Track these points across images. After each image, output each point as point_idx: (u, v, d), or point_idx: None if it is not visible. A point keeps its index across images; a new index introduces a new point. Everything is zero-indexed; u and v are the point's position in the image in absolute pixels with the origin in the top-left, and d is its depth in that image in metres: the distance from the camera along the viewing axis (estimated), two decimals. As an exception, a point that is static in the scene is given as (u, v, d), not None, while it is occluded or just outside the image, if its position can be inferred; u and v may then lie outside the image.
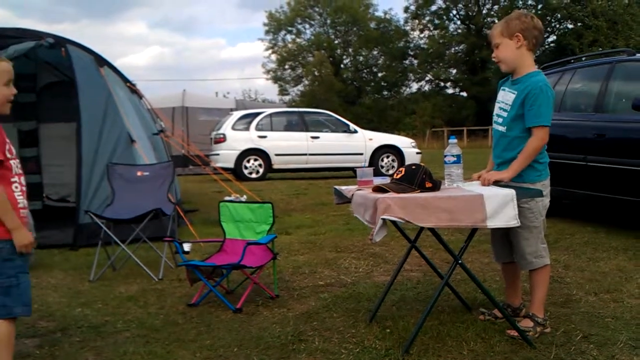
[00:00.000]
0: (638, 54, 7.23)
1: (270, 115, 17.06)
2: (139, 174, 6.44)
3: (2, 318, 2.91)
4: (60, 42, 7.50)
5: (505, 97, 3.72)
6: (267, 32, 55.29)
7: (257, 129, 16.53)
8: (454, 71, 51.03)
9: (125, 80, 8.58)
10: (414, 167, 3.44)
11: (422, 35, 51.61)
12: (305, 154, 16.46)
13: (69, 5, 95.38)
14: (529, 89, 3.54)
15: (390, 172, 16.12)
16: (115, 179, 6.30)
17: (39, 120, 9.95)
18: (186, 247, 5.76)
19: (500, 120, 3.73)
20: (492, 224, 3.20)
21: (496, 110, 3.80)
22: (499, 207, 3.18)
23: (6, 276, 2.89)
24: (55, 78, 9.60)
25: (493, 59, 3.77)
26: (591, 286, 4.64)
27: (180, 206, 7.68)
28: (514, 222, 3.23)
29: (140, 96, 9.18)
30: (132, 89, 8.85)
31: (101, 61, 7.85)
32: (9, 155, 2.94)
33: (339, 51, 53.92)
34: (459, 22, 49.31)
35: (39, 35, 7.42)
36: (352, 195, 3.67)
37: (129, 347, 3.65)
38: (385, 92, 55.16)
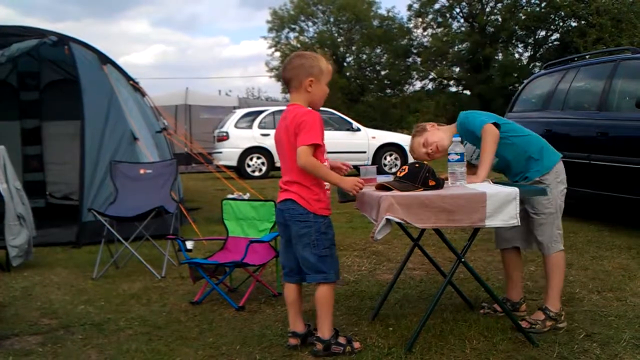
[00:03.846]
0: (642, 52, 7.21)
1: (273, 113, 17.03)
2: (142, 171, 6.44)
3: (319, 282, 3.36)
4: (64, 40, 7.51)
5: (469, 149, 3.93)
6: (270, 30, 55.12)
7: (260, 127, 16.53)
8: (458, 69, 50.90)
9: (128, 78, 8.59)
10: (417, 165, 3.43)
11: (425, 34, 51.37)
12: (308, 152, 16.43)
13: (72, 3, 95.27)
14: (458, 124, 3.82)
15: (394, 170, 16.11)
16: (118, 176, 6.31)
17: (42, 118, 9.97)
18: (189, 244, 5.77)
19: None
20: (491, 223, 3.21)
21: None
22: (501, 206, 3.19)
23: (323, 247, 3.35)
24: (58, 76, 9.61)
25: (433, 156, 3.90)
26: (594, 285, 4.64)
27: (183, 204, 7.69)
28: (513, 222, 3.24)
29: (143, 94, 9.18)
30: (135, 86, 8.86)
31: (104, 59, 7.86)
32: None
33: (342, 49, 53.76)
34: (462, 20, 49.12)
35: (42, 34, 7.42)
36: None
37: (132, 344, 3.66)
38: (388, 91, 54.98)
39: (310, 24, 55.45)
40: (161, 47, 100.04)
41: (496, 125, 3.64)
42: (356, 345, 3.43)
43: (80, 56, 7.50)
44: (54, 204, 9.87)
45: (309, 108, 3.40)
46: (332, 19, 54.62)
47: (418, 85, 53.36)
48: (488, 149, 3.60)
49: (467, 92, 50.32)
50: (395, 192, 3.24)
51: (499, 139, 3.61)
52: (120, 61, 8.67)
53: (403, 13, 73.35)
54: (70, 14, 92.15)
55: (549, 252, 3.73)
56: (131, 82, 8.69)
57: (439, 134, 3.82)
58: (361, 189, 3.36)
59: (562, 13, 42.55)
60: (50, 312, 4.40)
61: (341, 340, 3.40)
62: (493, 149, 3.60)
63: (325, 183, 3.40)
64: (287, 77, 3.44)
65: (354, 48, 54.49)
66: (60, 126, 9.61)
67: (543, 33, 46.52)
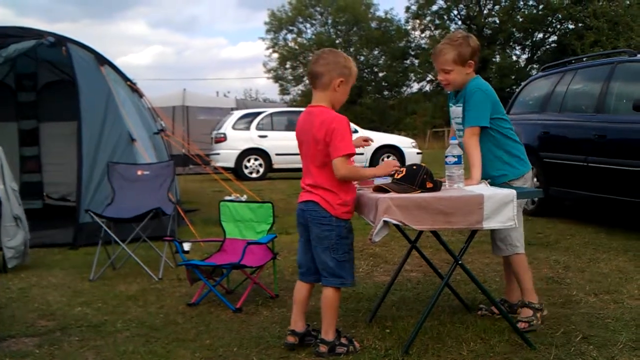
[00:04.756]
0: (639, 54, 7.23)
1: (271, 114, 17.07)
2: (139, 173, 6.44)
3: (335, 286, 3.36)
4: (61, 41, 7.50)
5: (456, 112, 3.90)
6: (268, 31, 55.21)
7: (258, 128, 16.55)
8: (455, 71, 50.90)
9: (125, 79, 8.59)
10: (414, 167, 3.43)
11: (423, 35, 51.50)
12: (306, 154, 16.44)
13: (69, 4, 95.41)
14: (466, 89, 3.77)
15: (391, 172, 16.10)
16: (115, 178, 6.30)
17: (40, 119, 9.95)
18: (186, 246, 5.74)
19: (462, 133, 3.84)
20: (489, 225, 3.22)
21: (457, 127, 3.95)
22: (499, 208, 3.19)
23: (342, 252, 3.35)
24: (55, 77, 9.60)
25: (440, 82, 3.89)
26: (591, 287, 4.64)
27: (180, 206, 7.68)
28: (511, 224, 3.24)
29: (140, 95, 9.18)
30: (133, 87, 8.85)
31: (102, 60, 7.85)
32: None
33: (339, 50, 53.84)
34: (460, 22, 49.17)
35: (39, 34, 7.42)
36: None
37: (129, 346, 3.65)
38: (386, 92, 55.04)
39: (308, 25, 55.50)
40: (159, 48, 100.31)
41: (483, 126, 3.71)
42: (356, 344, 3.44)
43: (77, 57, 7.50)
44: (51, 205, 9.86)
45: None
46: (330, 21, 54.65)
47: (415, 87, 53.22)
48: (474, 153, 3.66)
49: (465, 94, 50.28)
50: (393, 194, 3.24)
51: (478, 143, 3.69)
52: (117, 62, 8.69)
53: (401, 15, 73.35)
54: (67, 14, 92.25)
55: (503, 254, 3.84)
56: (129, 83, 8.69)
57: (462, 77, 3.76)
58: (398, 166, 3.44)
59: (560, 15, 42.65)
60: (48, 313, 4.39)
61: (343, 340, 3.41)
62: (477, 151, 3.67)
63: (355, 184, 3.48)
64: (317, 71, 3.35)
65: (352, 50, 54.45)
66: (57, 127, 9.60)
67: (540, 35, 46.61)
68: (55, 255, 6.47)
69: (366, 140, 3.66)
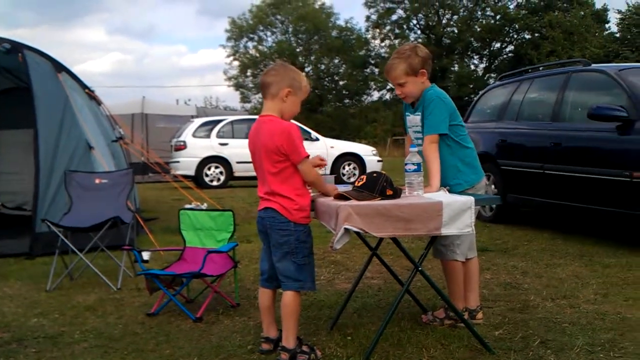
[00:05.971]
0: (593, 64, 7.40)
1: (232, 122, 17.00)
2: (97, 181, 6.35)
3: (294, 290, 3.36)
4: (17, 48, 7.37)
5: (414, 120, 3.95)
6: (228, 39, 55.12)
7: (218, 136, 16.47)
8: (414, 80, 51.40)
9: (83, 86, 8.48)
10: (375, 174, 3.45)
11: (383, 44, 52.06)
12: (267, 162, 16.40)
13: (26, 10, 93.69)
14: (424, 97, 3.83)
15: (352, 179, 16.18)
16: (73, 186, 6.20)
17: (-5, 127, 9.75)
18: (145, 255, 5.69)
19: (420, 142, 3.89)
20: (447, 231, 3.25)
21: (414, 135, 3.99)
22: (457, 215, 3.23)
23: (302, 255, 3.37)
24: (11, 84, 9.42)
25: (398, 95, 3.95)
26: (548, 292, 4.72)
27: (139, 214, 7.59)
28: (468, 230, 3.28)
29: (98, 103, 9.07)
30: (91, 95, 8.74)
31: (59, 67, 7.73)
32: None
33: (300, 59, 53.86)
34: (419, 32, 49.81)
35: (-5, 41, 7.28)
36: (314, 202, 3.67)
37: (87, 357, 3.60)
38: (346, 101, 55.38)
39: (269, 33, 55.55)
40: (118, 56, 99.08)
41: (442, 133, 3.78)
42: (318, 352, 3.44)
43: (33, 64, 7.37)
44: (6, 214, 9.67)
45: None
46: (290, 29, 54.77)
47: (376, 95, 53.69)
48: (433, 161, 3.72)
49: (424, 102, 50.78)
50: (354, 202, 3.25)
51: (438, 151, 3.75)
52: (75, 69, 8.56)
53: (361, 24, 73.86)
54: (25, 20, 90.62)
55: (443, 257, 3.96)
56: (87, 90, 8.57)
57: (418, 87, 3.82)
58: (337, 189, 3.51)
59: (517, 26, 43.52)
60: (3, 325, 4.30)
61: (304, 348, 3.40)
62: (436, 159, 3.72)
63: (310, 189, 3.53)
64: (267, 81, 3.42)
65: (312, 58, 54.69)
66: (13, 135, 9.43)
67: (498, 45, 47.44)
68: (11, 266, 6.34)
69: (322, 160, 3.67)
